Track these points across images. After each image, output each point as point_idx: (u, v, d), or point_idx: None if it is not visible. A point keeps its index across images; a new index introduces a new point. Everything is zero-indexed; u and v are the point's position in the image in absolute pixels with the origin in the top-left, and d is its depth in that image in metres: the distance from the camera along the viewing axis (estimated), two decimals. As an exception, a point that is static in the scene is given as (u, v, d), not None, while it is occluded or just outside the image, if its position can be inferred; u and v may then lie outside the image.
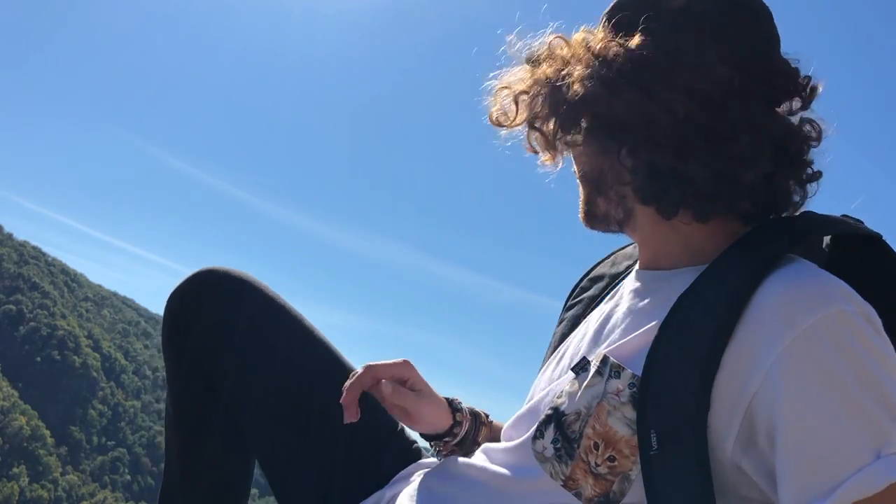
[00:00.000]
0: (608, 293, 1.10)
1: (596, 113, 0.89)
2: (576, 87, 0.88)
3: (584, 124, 0.91)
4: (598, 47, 0.89)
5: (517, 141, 1.02)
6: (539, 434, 0.90)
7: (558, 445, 0.87)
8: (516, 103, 0.98)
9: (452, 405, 1.15)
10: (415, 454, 1.28)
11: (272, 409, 1.23)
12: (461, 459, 1.05)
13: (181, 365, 1.29)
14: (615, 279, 1.12)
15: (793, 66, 0.91)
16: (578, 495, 0.85)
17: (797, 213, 0.93)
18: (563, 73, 0.90)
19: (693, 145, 0.85)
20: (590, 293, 1.15)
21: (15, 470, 78.66)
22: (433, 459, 1.25)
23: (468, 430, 1.15)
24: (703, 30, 0.89)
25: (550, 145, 0.97)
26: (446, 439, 1.14)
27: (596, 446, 0.84)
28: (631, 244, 1.16)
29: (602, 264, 1.19)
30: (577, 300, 1.16)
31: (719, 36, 0.89)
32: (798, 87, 0.91)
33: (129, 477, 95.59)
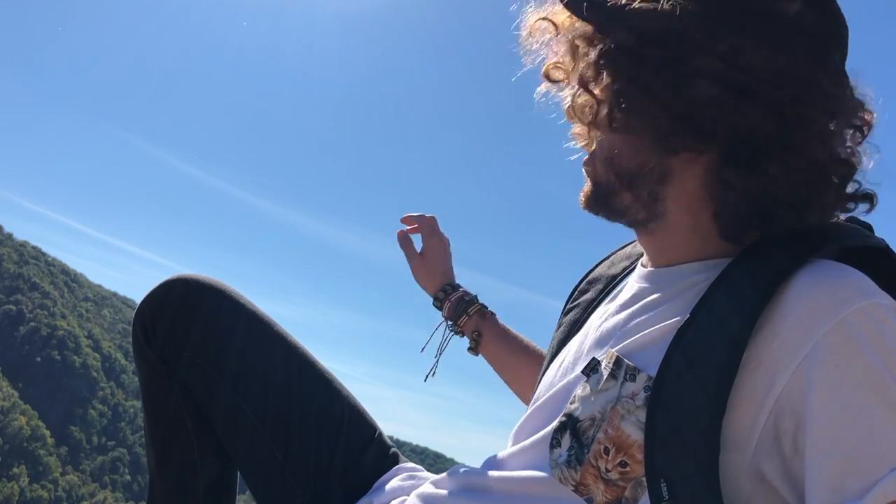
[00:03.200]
0: (606, 295, 1.07)
1: (694, 114, 0.80)
2: (700, 81, 0.79)
3: (656, 112, 0.81)
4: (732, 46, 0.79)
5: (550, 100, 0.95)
6: (556, 443, 0.88)
7: (572, 452, 0.85)
8: (573, 51, 0.88)
9: (445, 289, 1.42)
10: (393, 459, 1.27)
11: (246, 416, 1.22)
12: (465, 469, 1.03)
13: (154, 377, 1.28)
14: (612, 280, 1.09)
15: (862, 97, 0.86)
16: (590, 501, 0.83)
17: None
18: (674, 53, 0.80)
19: (793, 168, 0.80)
20: (587, 296, 1.11)
21: (15, 470, 78.59)
22: (412, 464, 1.28)
23: (450, 315, 1.40)
24: (823, 52, 0.83)
25: (595, 120, 0.88)
26: (435, 303, 1.44)
27: (606, 451, 0.81)
28: (630, 244, 1.13)
29: (600, 266, 1.16)
30: (574, 304, 1.13)
31: (833, 54, 0.84)
32: (863, 121, 0.86)
33: (129, 477, 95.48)
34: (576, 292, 1.15)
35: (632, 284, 0.97)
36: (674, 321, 0.83)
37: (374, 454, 1.25)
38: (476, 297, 1.41)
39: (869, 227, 0.89)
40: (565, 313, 1.14)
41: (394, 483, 1.18)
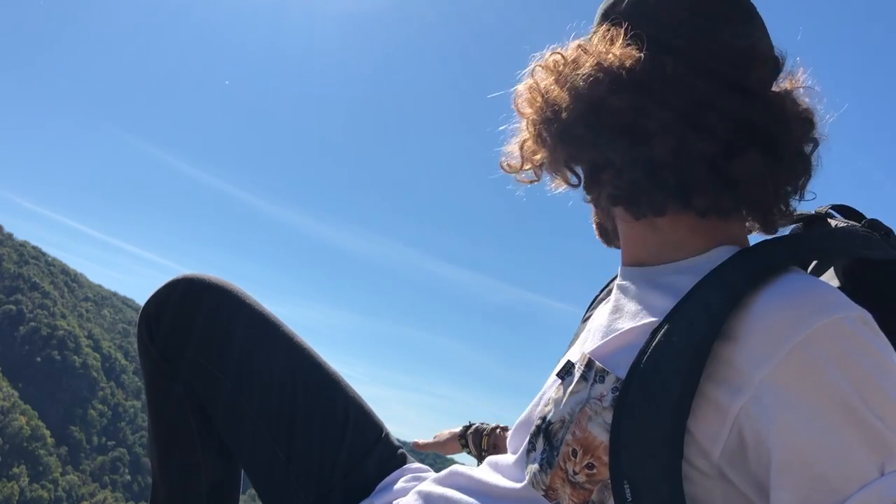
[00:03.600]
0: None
1: (541, 130, 0.90)
2: (523, 109, 0.92)
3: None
4: (546, 62, 0.91)
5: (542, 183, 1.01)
6: (531, 446, 0.88)
7: (544, 455, 0.85)
8: (521, 150, 0.96)
9: (461, 442, 1.47)
10: (400, 459, 1.28)
11: (248, 416, 1.22)
12: (461, 470, 1.04)
13: (158, 376, 1.29)
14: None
15: (748, 42, 0.86)
16: None
17: (820, 224, 0.89)
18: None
19: (606, 133, 0.84)
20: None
21: (15, 470, 78.63)
22: (419, 464, 1.29)
23: (475, 450, 1.44)
24: (618, 14, 0.89)
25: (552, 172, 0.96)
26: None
27: (574, 453, 0.81)
28: None
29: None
30: (591, 313, 1.13)
31: (629, 18, 0.88)
32: (750, 62, 0.86)
33: (129, 477, 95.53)
34: (595, 301, 1.16)
35: (619, 285, 0.97)
36: (645, 323, 0.84)
37: (379, 455, 1.25)
38: (481, 428, 1.45)
39: (889, 232, 0.86)
40: (583, 321, 1.14)
41: (399, 484, 1.19)
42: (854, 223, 0.89)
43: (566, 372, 0.88)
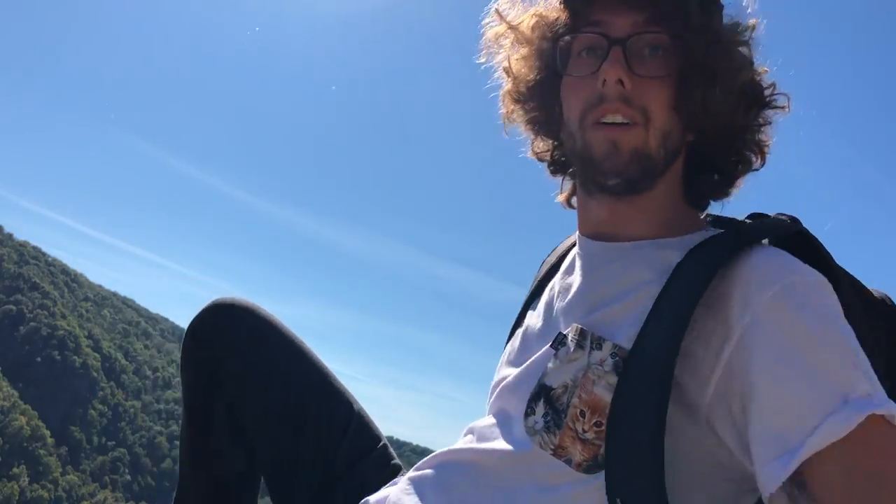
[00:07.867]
0: (556, 270, 1.15)
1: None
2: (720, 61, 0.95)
3: (703, 95, 0.96)
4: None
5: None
6: (530, 410, 0.95)
7: (548, 418, 0.92)
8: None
9: None
10: (393, 470, 1.35)
11: (273, 416, 1.37)
12: (449, 449, 1.09)
13: (199, 379, 1.41)
14: (562, 258, 1.17)
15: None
16: (569, 462, 0.90)
17: (749, 219, 1.01)
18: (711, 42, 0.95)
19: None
20: (543, 270, 1.22)
21: (15, 470, 78.54)
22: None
23: None
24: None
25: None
26: None
27: (582, 414, 0.89)
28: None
29: (559, 247, 1.25)
30: (535, 282, 1.23)
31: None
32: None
33: (129, 477, 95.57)
34: (539, 271, 1.25)
35: (583, 257, 1.06)
36: (637, 295, 0.93)
37: (374, 461, 1.34)
38: None
39: (796, 220, 0.99)
40: (538, 289, 1.21)
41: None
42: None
43: (559, 343, 0.96)
